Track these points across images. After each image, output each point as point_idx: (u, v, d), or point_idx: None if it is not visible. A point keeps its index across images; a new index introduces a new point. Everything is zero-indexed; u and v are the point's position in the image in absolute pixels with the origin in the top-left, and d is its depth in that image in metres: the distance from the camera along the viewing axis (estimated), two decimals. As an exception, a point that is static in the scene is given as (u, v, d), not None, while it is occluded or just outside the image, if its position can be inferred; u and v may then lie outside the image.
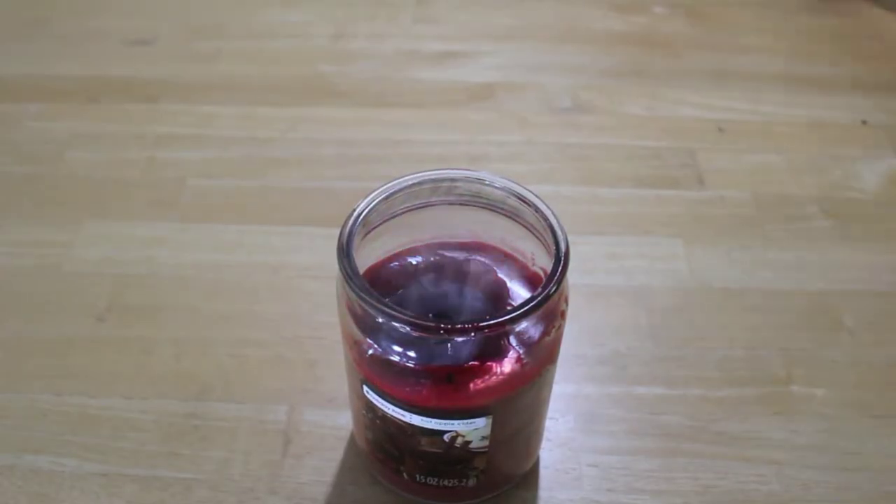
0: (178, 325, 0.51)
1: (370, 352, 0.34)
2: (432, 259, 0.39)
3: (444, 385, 0.33)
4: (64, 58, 0.74)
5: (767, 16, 0.80)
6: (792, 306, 0.53)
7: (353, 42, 0.76)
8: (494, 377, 0.33)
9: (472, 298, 0.38)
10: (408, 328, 0.32)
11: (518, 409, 0.36)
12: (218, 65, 0.73)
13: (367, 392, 0.36)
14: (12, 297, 0.53)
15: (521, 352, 0.33)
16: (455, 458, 0.37)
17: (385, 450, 0.39)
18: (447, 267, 0.38)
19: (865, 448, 0.45)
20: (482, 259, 0.39)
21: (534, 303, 0.32)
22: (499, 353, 0.33)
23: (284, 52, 0.74)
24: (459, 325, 0.31)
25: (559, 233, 0.34)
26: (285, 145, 0.65)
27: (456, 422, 0.34)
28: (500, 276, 0.38)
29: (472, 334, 0.31)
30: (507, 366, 0.34)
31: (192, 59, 0.74)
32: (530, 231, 0.37)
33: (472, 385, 0.33)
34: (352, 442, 0.45)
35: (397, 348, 0.33)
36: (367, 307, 0.32)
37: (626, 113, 0.68)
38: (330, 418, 0.46)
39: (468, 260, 0.39)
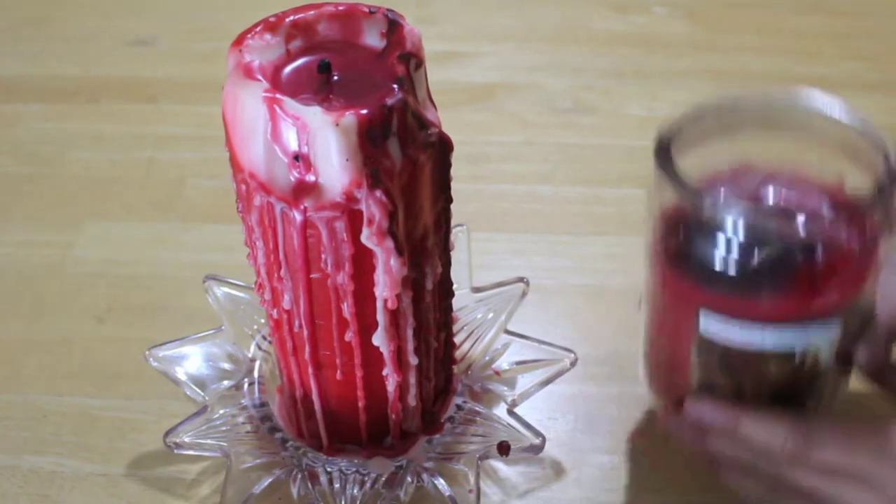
0: (179, 325, 0.51)
1: (719, 267, 0.33)
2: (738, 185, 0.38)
3: (800, 287, 0.33)
4: (64, 58, 0.74)
5: (767, 16, 0.80)
6: (792, 306, 0.53)
7: (353, 42, 0.76)
8: (844, 270, 0.33)
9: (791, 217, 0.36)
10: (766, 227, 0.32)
11: (865, 305, 0.35)
12: (218, 65, 0.72)
13: (706, 322, 0.34)
14: (12, 297, 0.53)
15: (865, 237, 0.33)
16: (803, 381, 0.36)
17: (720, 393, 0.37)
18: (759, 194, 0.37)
19: (865, 448, 0.45)
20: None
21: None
22: (844, 242, 0.33)
23: (284, 52, 0.74)
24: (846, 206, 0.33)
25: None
26: (285, 145, 0.64)
27: (811, 329, 0.34)
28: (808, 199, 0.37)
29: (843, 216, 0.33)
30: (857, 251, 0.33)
31: (192, 59, 0.73)
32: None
33: (824, 282, 0.33)
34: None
35: (746, 260, 0.32)
36: (713, 210, 0.33)
37: (626, 113, 0.68)
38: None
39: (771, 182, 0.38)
